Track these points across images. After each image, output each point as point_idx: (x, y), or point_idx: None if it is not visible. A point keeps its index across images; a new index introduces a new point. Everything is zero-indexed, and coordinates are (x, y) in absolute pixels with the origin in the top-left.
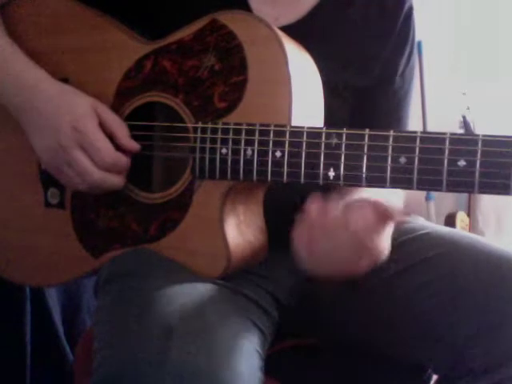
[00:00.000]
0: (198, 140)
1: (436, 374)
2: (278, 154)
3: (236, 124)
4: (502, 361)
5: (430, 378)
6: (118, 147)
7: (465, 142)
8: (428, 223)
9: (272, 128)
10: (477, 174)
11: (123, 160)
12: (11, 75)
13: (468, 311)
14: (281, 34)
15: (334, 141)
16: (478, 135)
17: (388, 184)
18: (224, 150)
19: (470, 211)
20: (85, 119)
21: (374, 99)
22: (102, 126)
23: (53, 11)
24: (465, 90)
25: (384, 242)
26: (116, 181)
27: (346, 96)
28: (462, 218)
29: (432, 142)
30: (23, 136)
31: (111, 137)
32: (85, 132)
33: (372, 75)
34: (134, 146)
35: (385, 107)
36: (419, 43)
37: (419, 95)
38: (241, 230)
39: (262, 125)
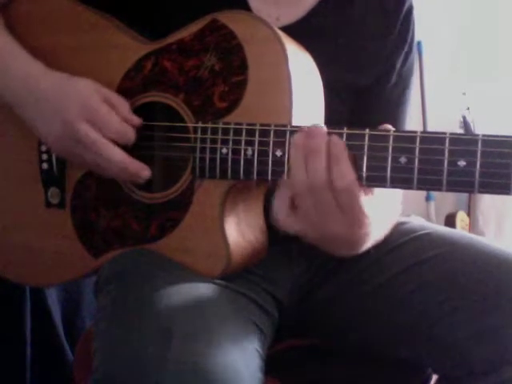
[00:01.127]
0: (199, 140)
1: (436, 374)
2: (279, 153)
3: (236, 124)
4: (502, 361)
5: (429, 378)
6: None
7: (465, 142)
8: (428, 223)
9: (272, 128)
10: (477, 173)
11: (129, 130)
12: (13, 71)
13: (468, 312)
14: (281, 33)
15: None
16: (477, 135)
17: (388, 184)
18: (224, 150)
19: (470, 211)
20: (92, 96)
21: (372, 98)
22: (108, 103)
23: (53, 11)
24: (465, 90)
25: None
26: (118, 154)
27: (346, 95)
28: (462, 217)
29: (432, 142)
30: (23, 136)
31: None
32: (94, 107)
33: (372, 74)
34: (136, 120)
35: (382, 105)
36: (419, 43)
37: (419, 95)
38: (241, 230)
39: (262, 125)
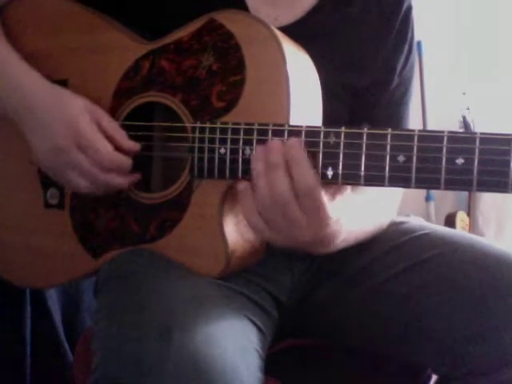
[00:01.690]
0: (197, 140)
1: (436, 374)
2: None
3: (234, 124)
4: (502, 362)
5: (429, 378)
6: (117, 148)
7: (463, 140)
8: (427, 224)
9: (270, 127)
10: (475, 171)
11: (125, 160)
12: (7, 79)
13: (468, 312)
14: (279, 33)
15: (333, 140)
16: (475, 133)
17: (386, 183)
18: (222, 150)
19: (470, 211)
20: (80, 120)
21: (372, 100)
22: (99, 127)
23: (52, 12)
24: (465, 90)
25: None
26: (120, 181)
27: (345, 96)
28: (462, 217)
29: (430, 140)
30: (22, 137)
31: (109, 139)
32: (82, 133)
33: (370, 75)
34: (134, 146)
35: (383, 108)
36: (419, 43)
37: (419, 95)
38: (240, 230)
39: (260, 124)
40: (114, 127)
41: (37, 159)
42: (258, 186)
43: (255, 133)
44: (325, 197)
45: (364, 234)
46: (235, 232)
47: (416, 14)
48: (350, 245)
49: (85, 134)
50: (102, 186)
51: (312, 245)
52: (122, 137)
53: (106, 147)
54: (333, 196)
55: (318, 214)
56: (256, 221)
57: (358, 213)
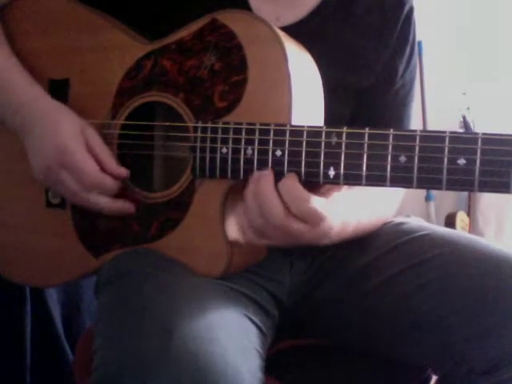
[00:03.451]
0: (199, 139)
1: (436, 374)
2: (279, 153)
3: (236, 123)
4: (502, 362)
5: (429, 378)
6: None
7: (464, 140)
8: (427, 224)
9: (272, 127)
10: (477, 172)
11: (108, 182)
12: (8, 92)
13: (468, 312)
14: (281, 33)
15: (334, 140)
16: (477, 133)
17: (388, 183)
18: (224, 150)
19: (470, 211)
20: (70, 141)
21: (375, 100)
22: (89, 151)
23: (54, 11)
24: (465, 90)
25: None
26: (103, 202)
27: (346, 96)
28: (462, 217)
29: (432, 140)
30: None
31: (98, 163)
32: (68, 153)
33: (372, 76)
34: (122, 172)
35: (385, 108)
36: (419, 43)
37: (419, 95)
38: (241, 230)
39: (262, 124)
40: (104, 152)
41: (32, 172)
42: (253, 219)
43: (257, 132)
44: (316, 201)
45: (363, 226)
46: (237, 232)
47: (416, 15)
48: (346, 238)
49: (71, 155)
50: (90, 205)
51: (308, 242)
52: (110, 162)
53: (89, 168)
54: (329, 192)
55: (312, 218)
56: (251, 236)
57: (351, 206)
